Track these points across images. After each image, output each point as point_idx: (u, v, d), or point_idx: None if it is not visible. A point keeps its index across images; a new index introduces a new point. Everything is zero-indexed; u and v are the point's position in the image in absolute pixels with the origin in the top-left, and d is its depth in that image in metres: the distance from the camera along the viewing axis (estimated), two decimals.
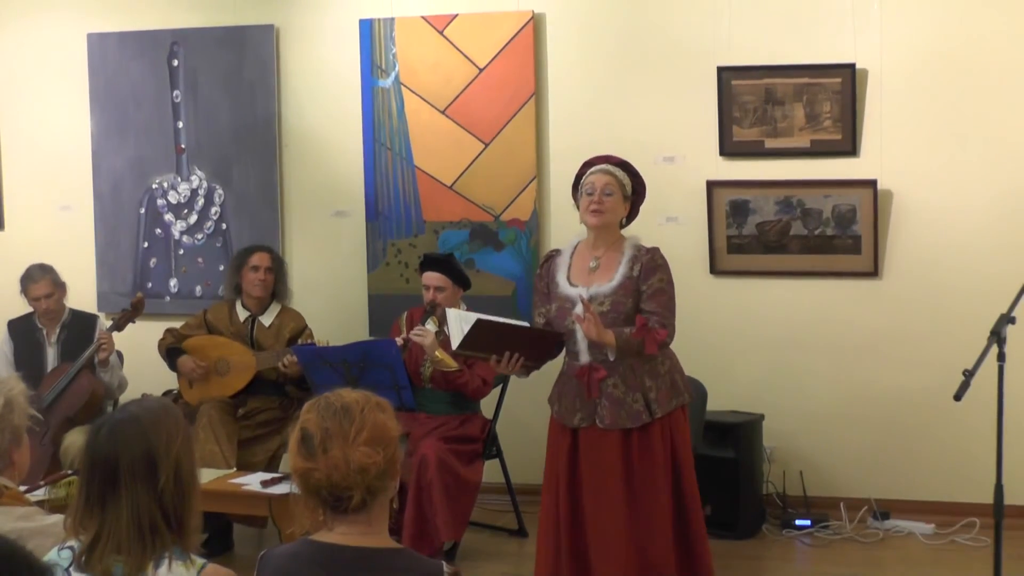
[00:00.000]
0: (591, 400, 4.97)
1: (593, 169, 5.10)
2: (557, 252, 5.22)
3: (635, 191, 5.11)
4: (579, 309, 4.84)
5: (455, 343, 5.04)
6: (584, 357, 5.00)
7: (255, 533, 6.54)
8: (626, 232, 5.15)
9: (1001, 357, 4.32)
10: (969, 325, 5.98)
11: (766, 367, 6.95)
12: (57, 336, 6.80)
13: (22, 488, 3.34)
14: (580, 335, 4.96)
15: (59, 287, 6.80)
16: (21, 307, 6.86)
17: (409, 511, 5.92)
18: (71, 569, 2.81)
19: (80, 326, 6.81)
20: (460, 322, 5.03)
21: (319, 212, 7.61)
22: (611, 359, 4.92)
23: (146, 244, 7.88)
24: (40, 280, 6.73)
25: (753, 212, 6.87)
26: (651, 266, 4.98)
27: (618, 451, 4.98)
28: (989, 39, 6.59)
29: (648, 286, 4.95)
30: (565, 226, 6.85)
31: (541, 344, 5.06)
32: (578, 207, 5.11)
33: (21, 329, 6.85)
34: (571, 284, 5.04)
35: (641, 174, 5.14)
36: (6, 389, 3.24)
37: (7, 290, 7.06)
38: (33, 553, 2.17)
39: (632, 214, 5.15)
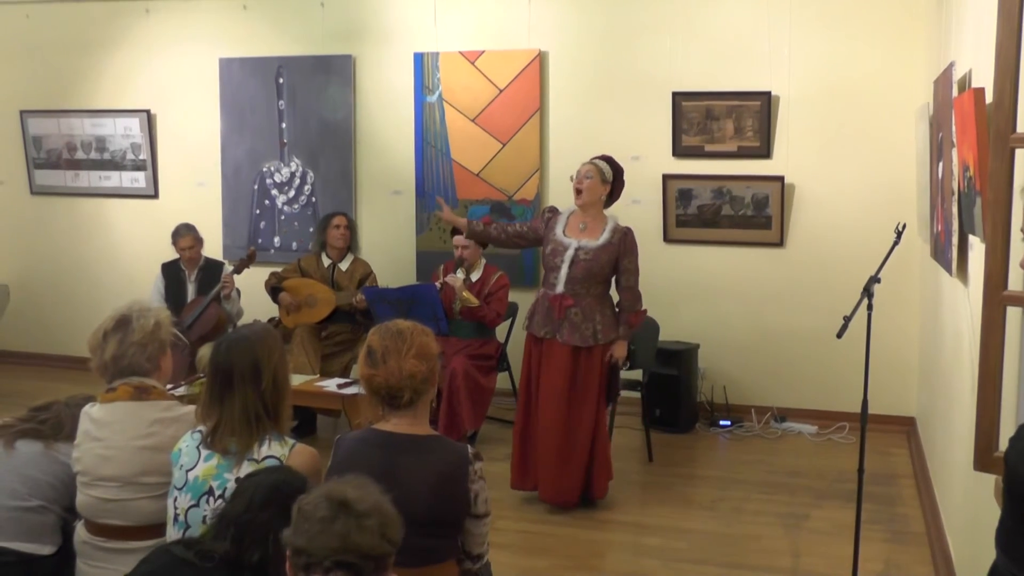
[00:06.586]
0: (556, 320, 5.04)
1: (584, 162, 5.16)
2: (557, 210, 5.31)
3: (615, 177, 5.18)
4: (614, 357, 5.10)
5: None
6: (560, 288, 5.01)
7: (332, 422, 6.56)
8: (608, 211, 5.22)
9: (870, 307, 4.28)
10: (847, 282, 6.00)
11: (702, 310, 6.92)
12: (195, 276, 6.77)
13: (168, 387, 3.32)
14: (563, 272, 5.04)
15: (199, 241, 6.77)
16: (171, 254, 6.85)
17: (443, 408, 5.92)
18: (200, 447, 2.80)
19: (211, 269, 6.79)
20: None
21: (382, 191, 7.55)
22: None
23: (257, 211, 7.84)
24: (186, 235, 6.71)
25: (695, 197, 6.81)
26: (631, 246, 5.11)
27: (568, 360, 5.06)
28: (868, 75, 6.52)
29: (629, 262, 5.09)
30: (558, 204, 6.78)
31: None
32: None
33: (170, 270, 6.84)
34: (565, 235, 5.11)
35: (621, 166, 5.26)
36: (155, 313, 3.21)
37: (161, 242, 7.08)
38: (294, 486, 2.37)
39: (613, 194, 5.21)
